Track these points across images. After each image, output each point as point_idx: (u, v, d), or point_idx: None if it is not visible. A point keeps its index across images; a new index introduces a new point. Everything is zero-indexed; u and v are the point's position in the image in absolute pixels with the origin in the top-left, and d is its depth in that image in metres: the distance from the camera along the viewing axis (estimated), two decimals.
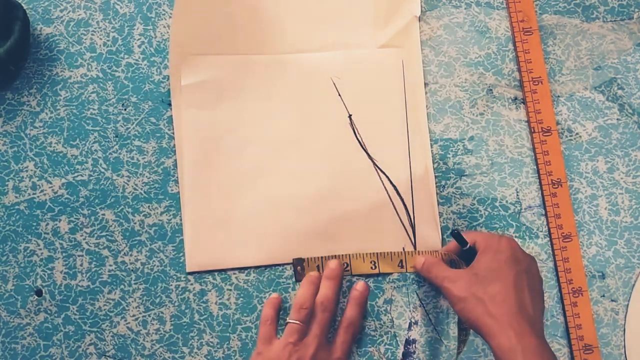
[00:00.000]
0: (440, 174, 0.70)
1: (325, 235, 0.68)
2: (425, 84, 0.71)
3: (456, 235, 0.63)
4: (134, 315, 0.67)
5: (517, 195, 0.70)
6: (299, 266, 0.67)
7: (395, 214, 0.68)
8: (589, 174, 0.70)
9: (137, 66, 0.70)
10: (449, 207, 0.69)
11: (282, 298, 0.67)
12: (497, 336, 0.56)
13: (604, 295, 0.68)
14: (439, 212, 0.69)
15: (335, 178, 0.69)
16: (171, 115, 0.69)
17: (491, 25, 0.72)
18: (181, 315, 0.67)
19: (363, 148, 0.69)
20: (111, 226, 0.68)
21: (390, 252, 0.68)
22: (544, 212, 0.69)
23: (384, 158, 0.69)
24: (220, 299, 0.67)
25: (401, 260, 0.68)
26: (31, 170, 0.68)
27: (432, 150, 0.70)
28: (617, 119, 0.71)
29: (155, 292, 0.67)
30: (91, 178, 0.68)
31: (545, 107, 0.70)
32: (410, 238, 0.68)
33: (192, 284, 0.67)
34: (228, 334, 0.67)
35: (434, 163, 0.70)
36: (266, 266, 0.68)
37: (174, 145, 0.69)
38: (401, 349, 0.67)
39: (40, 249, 0.67)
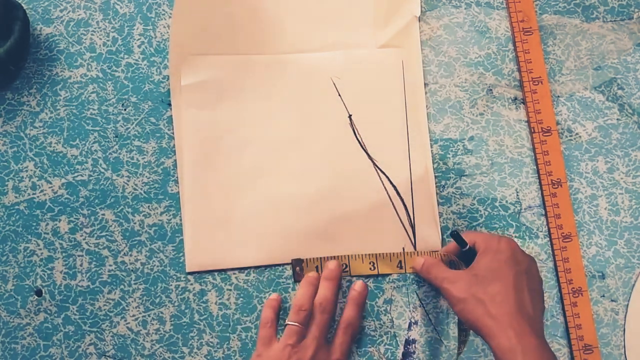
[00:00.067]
0: (440, 174, 0.70)
1: (326, 235, 0.68)
2: (425, 84, 0.71)
3: (455, 236, 0.63)
4: (133, 315, 0.67)
5: (517, 195, 0.70)
6: (298, 267, 0.67)
7: (395, 214, 0.68)
8: (589, 174, 0.70)
9: (137, 66, 0.70)
10: (449, 207, 0.69)
11: (281, 298, 0.67)
12: (497, 336, 0.56)
13: (604, 296, 0.68)
14: (439, 212, 0.69)
15: (335, 178, 0.69)
16: (171, 115, 0.69)
17: (491, 25, 0.72)
18: (181, 315, 0.67)
19: (363, 148, 0.69)
20: (111, 226, 0.68)
21: (390, 253, 0.68)
22: (544, 212, 0.69)
23: (384, 158, 0.69)
24: (220, 299, 0.67)
25: (400, 261, 0.68)
26: (31, 170, 0.68)
27: (432, 150, 0.70)
28: (617, 119, 0.71)
29: (155, 292, 0.67)
30: (91, 178, 0.68)
31: (545, 107, 0.70)
32: (410, 238, 0.68)
33: (192, 284, 0.67)
34: (228, 334, 0.67)
35: (434, 163, 0.70)
36: (266, 266, 0.68)
37: (174, 145, 0.69)
38: (401, 349, 0.67)
39: (40, 249, 0.67)
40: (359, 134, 0.70)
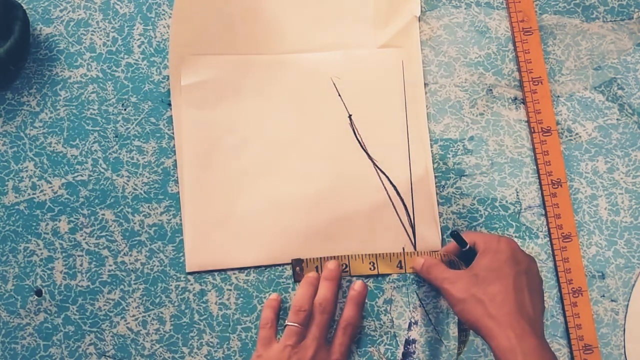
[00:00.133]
0: (440, 174, 0.70)
1: (326, 235, 0.68)
2: (425, 84, 0.71)
3: (455, 236, 0.63)
4: (133, 316, 0.67)
5: (517, 195, 0.70)
6: (298, 267, 0.67)
7: (395, 214, 0.68)
8: (588, 174, 0.70)
9: (137, 66, 0.70)
10: (449, 207, 0.69)
11: (281, 298, 0.67)
12: (497, 337, 0.56)
13: (604, 295, 0.68)
14: (439, 212, 0.69)
15: (335, 178, 0.69)
16: (171, 115, 0.69)
17: (491, 25, 0.72)
18: (181, 316, 0.67)
19: (363, 148, 0.69)
20: (111, 226, 0.68)
21: (390, 253, 0.68)
22: (543, 212, 0.69)
23: (384, 158, 0.69)
24: (220, 299, 0.67)
25: (400, 261, 0.68)
26: (31, 170, 0.68)
27: (432, 150, 0.70)
28: (617, 119, 0.71)
29: (155, 292, 0.67)
30: (91, 178, 0.68)
31: (545, 107, 0.70)
32: (410, 238, 0.68)
33: (192, 284, 0.67)
34: (228, 334, 0.67)
35: (434, 163, 0.70)
36: (266, 266, 0.68)
37: (174, 145, 0.69)
38: (401, 349, 0.67)
39: (40, 249, 0.67)
40: (359, 134, 0.70)
